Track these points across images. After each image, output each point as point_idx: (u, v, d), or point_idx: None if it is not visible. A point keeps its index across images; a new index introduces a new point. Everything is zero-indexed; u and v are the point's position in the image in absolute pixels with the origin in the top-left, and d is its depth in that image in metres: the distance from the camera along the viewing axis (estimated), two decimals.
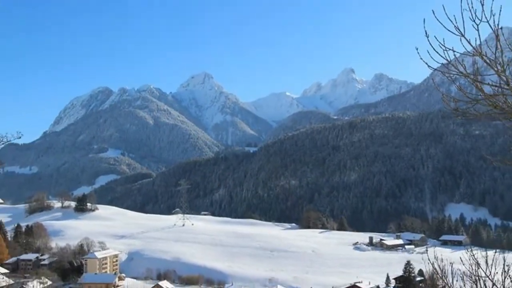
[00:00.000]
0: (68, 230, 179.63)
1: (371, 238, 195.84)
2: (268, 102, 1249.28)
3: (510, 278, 9.71)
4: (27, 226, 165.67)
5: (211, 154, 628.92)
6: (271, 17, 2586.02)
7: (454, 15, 7.20)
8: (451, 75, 7.69)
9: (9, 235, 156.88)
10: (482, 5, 7.02)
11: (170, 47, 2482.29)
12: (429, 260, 11.93)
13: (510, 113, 7.35)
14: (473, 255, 10.52)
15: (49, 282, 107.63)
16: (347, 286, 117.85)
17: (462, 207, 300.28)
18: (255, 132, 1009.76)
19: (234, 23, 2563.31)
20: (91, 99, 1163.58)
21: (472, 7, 7.10)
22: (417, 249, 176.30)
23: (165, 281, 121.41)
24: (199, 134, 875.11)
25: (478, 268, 10.26)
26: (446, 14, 7.24)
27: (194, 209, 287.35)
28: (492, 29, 7.13)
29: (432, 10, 7.54)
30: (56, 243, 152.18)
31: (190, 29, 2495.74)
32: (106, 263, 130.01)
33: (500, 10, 7.09)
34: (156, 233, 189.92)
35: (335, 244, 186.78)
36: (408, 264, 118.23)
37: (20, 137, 13.43)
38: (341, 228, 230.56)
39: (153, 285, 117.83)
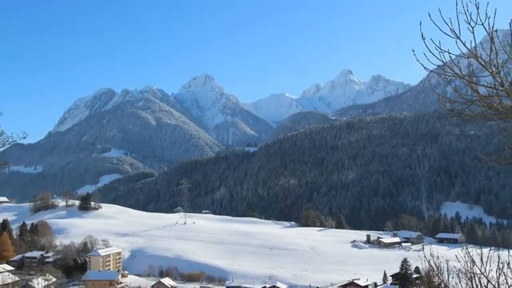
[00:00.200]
0: (72, 228, 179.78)
1: (368, 236, 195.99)
2: (268, 103, 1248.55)
3: (504, 275, 9.71)
4: (32, 224, 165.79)
5: (212, 154, 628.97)
6: (271, 20, 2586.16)
7: (450, 18, 7.21)
8: (447, 76, 7.69)
9: (15, 233, 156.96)
10: (477, 8, 7.02)
11: (172, 49, 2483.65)
12: (425, 257, 11.92)
13: (504, 114, 7.36)
14: (469, 253, 10.53)
15: (54, 279, 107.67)
16: (345, 283, 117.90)
17: (457, 205, 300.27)
18: (255, 132, 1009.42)
19: (234, 25, 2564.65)
20: (95, 100, 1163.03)
21: (468, 10, 7.10)
22: (414, 247, 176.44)
23: (167, 278, 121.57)
24: (200, 134, 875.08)
25: (473, 266, 10.27)
26: (442, 17, 7.25)
27: (195, 208, 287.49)
28: (487, 31, 7.13)
29: (428, 13, 7.54)
30: (60, 241, 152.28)
31: (191, 32, 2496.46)
32: (109, 261, 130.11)
33: (495, 13, 7.09)
34: (158, 231, 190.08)
35: (333, 242, 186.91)
36: (404, 261, 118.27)
37: (25, 137, 13.40)
38: (339, 226, 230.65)
39: (155, 282, 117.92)
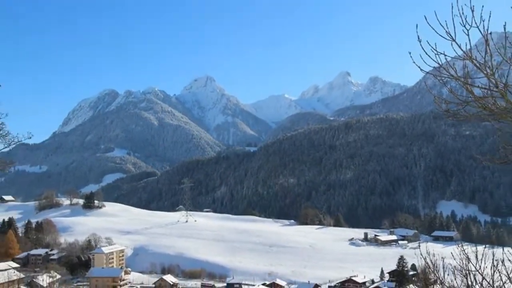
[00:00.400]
0: (76, 226, 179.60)
1: (366, 234, 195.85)
2: (268, 104, 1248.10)
3: (499, 272, 9.71)
4: (37, 222, 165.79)
5: (213, 153, 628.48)
6: (270, 23, 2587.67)
7: (445, 21, 7.21)
8: (443, 78, 7.69)
9: (20, 231, 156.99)
10: (472, 11, 7.02)
11: (174, 51, 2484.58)
12: (421, 255, 11.93)
13: (499, 114, 7.35)
14: (464, 250, 10.53)
15: (58, 276, 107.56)
16: (343, 279, 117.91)
17: (453, 204, 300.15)
18: (255, 132, 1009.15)
19: (234, 28, 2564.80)
20: (98, 101, 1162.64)
21: (463, 13, 7.10)
22: (410, 245, 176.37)
23: (169, 275, 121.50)
24: (202, 134, 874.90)
25: (468, 263, 10.26)
26: (438, 19, 7.24)
27: (196, 206, 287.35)
28: (482, 34, 7.13)
29: (425, 16, 7.54)
30: (64, 239, 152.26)
31: (193, 34, 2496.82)
32: (112, 258, 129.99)
33: (490, 16, 7.09)
34: (160, 229, 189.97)
35: (331, 240, 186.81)
36: (401, 259, 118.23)
37: (30, 137, 13.37)
38: (337, 224, 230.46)
39: (158, 278, 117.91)
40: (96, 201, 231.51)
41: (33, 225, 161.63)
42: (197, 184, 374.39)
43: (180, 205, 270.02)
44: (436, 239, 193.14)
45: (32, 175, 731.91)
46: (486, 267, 9.98)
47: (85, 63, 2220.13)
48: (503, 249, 11.51)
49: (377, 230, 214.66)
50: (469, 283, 10.22)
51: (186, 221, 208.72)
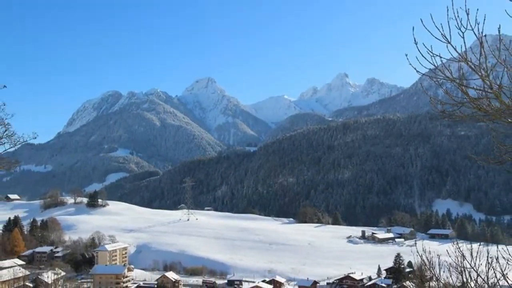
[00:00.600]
0: (80, 225, 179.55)
1: (363, 232, 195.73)
2: (267, 105, 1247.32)
3: (493, 269, 9.71)
4: (42, 220, 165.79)
5: (214, 153, 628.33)
6: (270, 26, 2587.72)
7: (441, 24, 7.21)
8: (438, 79, 7.69)
9: (26, 229, 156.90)
10: (467, 14, 7.02)
11: (176, 54, 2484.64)
12: (417, 252, 11.93)
13: (493, 115, 7.36)
14: (459, 248, 10.53)
15: (63, 273, 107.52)
16: (341, 276, 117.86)
17: (448, 203, 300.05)
18: (255, 133, 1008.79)
19: (235, 30, 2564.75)
20: (102, 102, 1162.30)
21: (458, 16, 7.10)
22: (407, 242, 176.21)
23: (171, 272, 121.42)
24: (203, 134, 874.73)
25: (463, 260, 10.27)
26: (433, 22, 7.25)
27: (198, 205, 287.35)
28: (476, 36, 7.13)
29: (421, 19, 7.55)
30: (69, 237, 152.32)
31: (194, 37, 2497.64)
32: (116, 255, 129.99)
33: (484, 19, 7.09)
34: (162, 227, 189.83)
35: (330, 238, 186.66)
36: (398, 256, 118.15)
37: (35, 138, 13.36)
38: (335, 222, 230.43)
39: (160, 275, 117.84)
40: (99, 200, 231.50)
41: (38, 223, 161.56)
42: (199, 183, 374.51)
43: (182, 204, 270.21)
44: (432, 237, 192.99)
45: (37, 174, 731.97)
46: (481, 264, 9.98)
47: (89, 65, 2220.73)
48: (497, 247, 11.52)
49: (375, 228, 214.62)
50: (464, 280, 10.22)
51: (188, 220, 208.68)
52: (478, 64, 7.17)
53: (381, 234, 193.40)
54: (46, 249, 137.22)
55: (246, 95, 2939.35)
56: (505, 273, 9.45)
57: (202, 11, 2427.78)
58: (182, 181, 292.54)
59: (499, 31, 7.36)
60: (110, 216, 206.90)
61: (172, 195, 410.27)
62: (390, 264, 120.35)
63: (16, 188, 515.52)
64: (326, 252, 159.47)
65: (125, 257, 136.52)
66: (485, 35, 7.14)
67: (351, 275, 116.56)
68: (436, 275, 11.37)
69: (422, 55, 7.35)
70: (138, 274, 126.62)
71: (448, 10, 7.13)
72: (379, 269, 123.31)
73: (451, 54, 7.46)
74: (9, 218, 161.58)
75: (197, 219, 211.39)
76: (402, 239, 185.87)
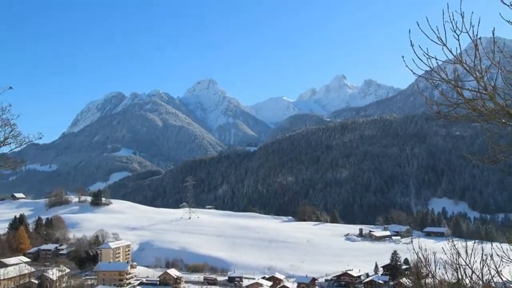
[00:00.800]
0: (84, 223, 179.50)
1: (361, 230, 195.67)
2: (267, 106, 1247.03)
3: (488, 266, 9.71)
4: (47, 219, 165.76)
5: (215, 153, 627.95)
6: (270, 28, 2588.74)
7: (437, 26, 7.21)
8: (434, 81, 7.69)
9: (31, 227, 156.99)
10: (463, 17, 7.02)
11: (178, 55, 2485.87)
12: (414, 250, 11.94)
13: (488, 116, 7.36)
14: (454, 246, 10.53)
15: (67, 270, 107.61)
16: (339, 273, 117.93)
17: (444, 201, 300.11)
18: (255, 133, 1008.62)
19: (236, 33, 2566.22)
20: (106, 103, 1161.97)
21: (453, 19, 7.10)
22: (403, 240, 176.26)
23: (173, 269, 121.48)
24: (204, 135, 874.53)
25: (458, 257, 10.27)
26: (429, 25, 7.24)
27: (199, 204, 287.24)
28: (471, 39, 7.13)
29: (417, 22, 7.54)
30: (73, 234, 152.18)
31: (196, 39, 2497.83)
32: (119, 253, 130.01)
33: (479, 22, 7.09)
34: (164, 225, 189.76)
35: (328, 235, 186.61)
36: (394, 253, 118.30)
37: (40, 138, 13.35)
38: (333, 220, 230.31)
39: (162, 272, 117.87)
40: (103, 199, 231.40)
41: (43, 221, 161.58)
42: (200, 182, 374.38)
43: (183, 202, 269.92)
44: (428, 234, 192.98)
45: (42, 173, 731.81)
46: (476, 261, 9.98)
47: (92, 67, 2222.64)
48: (491, 244, 11.52)
49: (372, 226, 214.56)
50: (459, 276, 10.22)
51: (189, 218, 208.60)
52: (473, 66, 7.17)
53: (378, 232, 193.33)
54: (51, 246, 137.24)
55: (246, 96, 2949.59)
56: (499, 270, 9.44)
57: (203, 14, 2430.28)
58: (184, 180, 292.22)
59: (493, 33, 7.37)
60: (113, 215, 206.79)
61: (174, 194, 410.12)
62: (387, 261, 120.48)
63: (22, 187, 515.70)
64: (324, 249, 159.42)
65: (128, 254, 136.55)
66: (479, 38, 7.13)
67: (349, 272, 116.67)
68: (432, 272, 11.37)
69: (418, 57, 7.35)
70: (141, 271, 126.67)
71: (443, 13, 7.13)
72: (376, 266, 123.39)
73: (447, 56, 7.47)
74: (15, 216, 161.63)
75: (198, 217, 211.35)
76: (399, 237, 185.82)
